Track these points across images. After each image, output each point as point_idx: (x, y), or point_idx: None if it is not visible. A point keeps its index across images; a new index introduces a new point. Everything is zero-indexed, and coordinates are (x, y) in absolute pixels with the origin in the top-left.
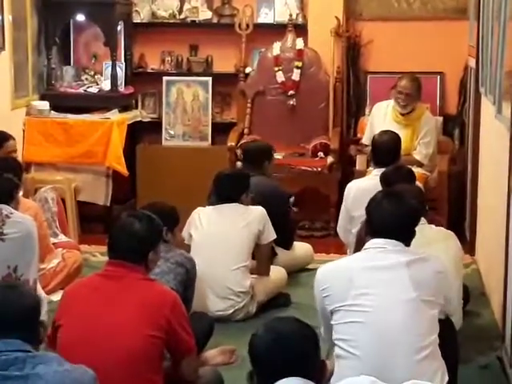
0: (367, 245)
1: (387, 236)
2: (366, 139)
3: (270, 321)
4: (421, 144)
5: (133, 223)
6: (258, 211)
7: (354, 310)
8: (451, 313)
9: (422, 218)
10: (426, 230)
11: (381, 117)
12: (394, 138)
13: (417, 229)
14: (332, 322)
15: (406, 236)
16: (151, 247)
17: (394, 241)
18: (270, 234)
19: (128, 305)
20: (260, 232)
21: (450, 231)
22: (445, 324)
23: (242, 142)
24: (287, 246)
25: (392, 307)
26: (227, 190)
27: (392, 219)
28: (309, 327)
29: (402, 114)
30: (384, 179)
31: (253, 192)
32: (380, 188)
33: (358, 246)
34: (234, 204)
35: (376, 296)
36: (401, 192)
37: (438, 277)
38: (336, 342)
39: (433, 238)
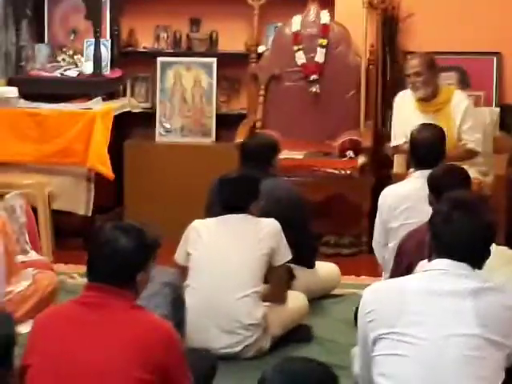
0: (427, 266)
1: (455, 257)
2: (395, 139)
3: (279, 361)
4: (465, 131)
5: (118, 238)
6: (272, 225)
7: (401, 340)
8: None
9: None
10: None
11: (407, 108)
12: (437, 133)
13: None
14: (373, 354)
15: (479, 258)
16: (141, 267)
17: (461, 263)
18: (286, 254)
19: (112, 340)
20: (273, 251)
21: None
22: (508, 373)
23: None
24: (310, 263)
25: (447, 342)
26: (234, 198)
27: (464, 237)
28: (328, 369)
29: (427, 100)
30: (432, 184)
31: (263, 199)
32: (422, 193)
33: (396, 267)
34: (242, 215)
35: (429, 326)
36: (474, 202)
37: (510, 313)
38: (375, 377)
39: (496, 261)
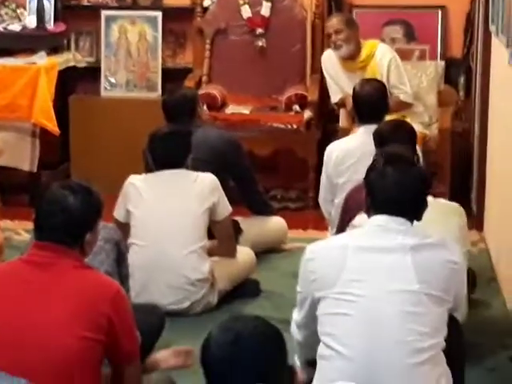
0: (367, 223)
1: (392, 212)
2: (334, 96)
3: (225, 320)
4: (392, 85)
5: (66, 197)
6: (210, 180)
7: (343, 298)
8: (455, 307)
9: None
10: None
11: (334, 67)
12: (380, 87)
13: None
14: (317, 312)
15: (416, 211)
16: (89, 227)
17: (399, 218)
18: (226, 207)
19: (60, 299)
20: (215, 205)
21: (456, 205)
22: (449, 323)
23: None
24: (266, 209)
25: (387, 298)
26: (170, 154)
27: (399, 191)
28: (274, 326)
29: (351, 58)
30: (378, 139)
31: (198, 150)
32: (367, 148)
33: (343, 222)
34: (180, 170)
35: (370, 283)
36: (406, 156)
37: (451, 268)
38: (321, 337)
39: (433, 213)
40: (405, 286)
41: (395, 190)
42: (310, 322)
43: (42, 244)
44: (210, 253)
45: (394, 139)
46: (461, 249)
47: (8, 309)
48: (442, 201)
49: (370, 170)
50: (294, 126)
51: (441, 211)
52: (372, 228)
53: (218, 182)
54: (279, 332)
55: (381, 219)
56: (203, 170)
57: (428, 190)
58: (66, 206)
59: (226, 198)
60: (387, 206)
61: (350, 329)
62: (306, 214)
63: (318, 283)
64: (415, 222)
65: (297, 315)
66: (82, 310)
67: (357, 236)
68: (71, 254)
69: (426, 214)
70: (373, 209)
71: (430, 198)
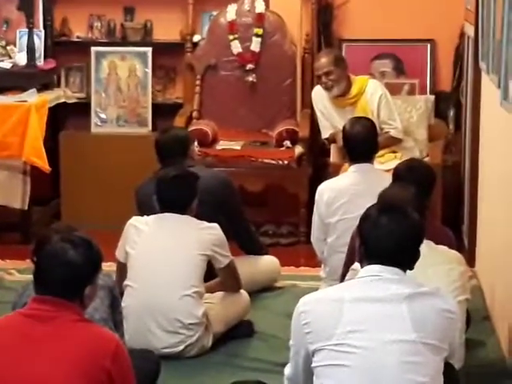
0: (361, 272)
1: (385, 262)
2: (325, 132)
3: None
4: (383, 121)
5: (67, 251)
6: (215, 229)
7: (340, 350)
8: (450, 354)
9: None
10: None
11: (324, 103)
12: (370, 127)
13: None
14: (313, 365)
15: (408, 260)
16: (89, 280)
17: (392, 268)
18: (228, 254)
19: (60, 354)
20: (216, 254)
21: (456, 253)
22: (445, 370)
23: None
24: (258, 249)
25: (385, 349)
26: (174, 198)
27: (393, 242)
28: None
29: (342, 95)
30: (396, 177)
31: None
32: (359, 187)
33: (350, 260)
34: (184, 216)
35: (367, 334)
36: (401, 205)
37: (445, 317)
38: None
39: (432, 259)
40: (402, 335)
41: (388, 240)
42: (303, 377)
43: (41, 298)
44: (213, 290)
45: (412, 177)
46: (462, 296)
47: (7, 362)
48: (442, 248)
49: (363, 218)
50: (285, 162)
51: (442, 260)
52: (366, 278)
53: (221, 232)
54: None
55: (374, 269)
56: (199, 210)
57: (421, 242)
58: (67, 261)
59: (227, 247)
60: (380, 255)
61: (349, 380)
62: (298, 249)
63: (313, 336)
64: (408, 271)
65: (288, 371)
66: (82, 365)
67: (351, 287)
68: (71, 308)
69: (428, 261)
70: (366, 258)
71: (431, 245)
